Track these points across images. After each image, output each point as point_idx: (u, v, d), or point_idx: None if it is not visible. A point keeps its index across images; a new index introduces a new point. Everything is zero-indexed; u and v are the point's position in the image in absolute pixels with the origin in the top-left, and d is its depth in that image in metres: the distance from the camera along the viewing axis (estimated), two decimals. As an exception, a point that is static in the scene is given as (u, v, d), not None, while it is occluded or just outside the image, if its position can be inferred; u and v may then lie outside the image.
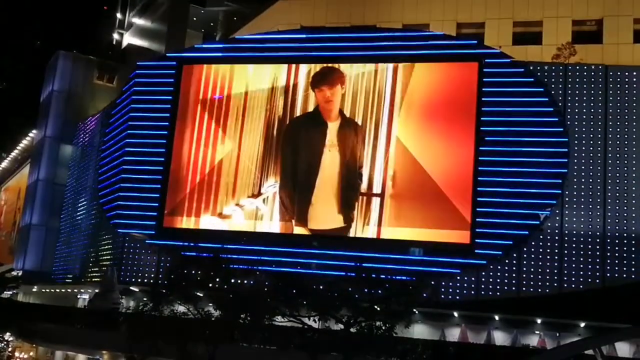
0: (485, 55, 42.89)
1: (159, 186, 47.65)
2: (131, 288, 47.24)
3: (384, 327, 29.15)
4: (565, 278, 39.01)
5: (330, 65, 46.12)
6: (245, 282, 37.29)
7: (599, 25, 47.90)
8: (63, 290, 58.95)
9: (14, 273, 66.49)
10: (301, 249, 43.10)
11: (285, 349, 32.76)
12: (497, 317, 40.35)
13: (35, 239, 64.59)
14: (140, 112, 49.60)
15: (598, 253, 39.03)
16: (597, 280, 38.74)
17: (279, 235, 44.68)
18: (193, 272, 34.77)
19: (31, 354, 58.85)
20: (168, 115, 48.56)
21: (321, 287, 33.50)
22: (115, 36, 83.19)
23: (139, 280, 46.91)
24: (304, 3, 54.61)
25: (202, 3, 67.82)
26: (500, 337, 40.32)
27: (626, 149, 40.19)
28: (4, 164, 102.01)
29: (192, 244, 35.50)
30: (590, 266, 38.97)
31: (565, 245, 39.40)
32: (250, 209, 46.11)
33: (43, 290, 62.33)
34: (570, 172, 40.01)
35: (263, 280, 36.50)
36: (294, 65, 46.84)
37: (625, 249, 38.87)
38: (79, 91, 66.36)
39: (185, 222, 46.95)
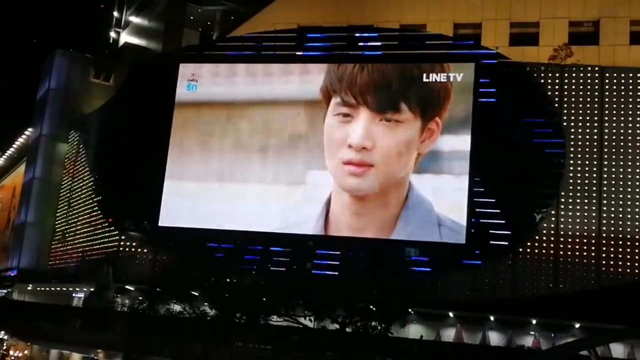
0: (481, 56, 42.94)
1: (156, 185, 47.52)
2: (127, 287, 47.14)
3: (379, 327, 29.18)
4: (560, 279, 39.06)
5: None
6: (241, 281, 37.23)
7: (596, 27, 47.93)
8: (58, 289, 58.85)
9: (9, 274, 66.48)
10: (297, 249, 43.04)
11: (280, 349, 32.75)
12: (492, 318, 40.40)
13: (31, 237, 64.31)
14: (137, 110, 49.44)
15: (593, 254, 39.08)
16: (592, 281, 38.77)
17: (275, 235, 44.59)
18: (189, 271, 34.75)
19: (26, 352, 58.80)
20: (165, 113, 48.43)
21: (317, 287, 33.46)
22: (112, 35, 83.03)
23: (135, 279, 46.80)
24: (301, 2, 54.56)
25: (199, 2, 67.68)
26: (495, 338, 40.37)
27: (622, 150, 40.21)
28: (0, 162, 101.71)
29: (188, 243, 35.45)
30: (585, 267, 39.01)
31: (561, 245, 39.45)
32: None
33: (38, 288, 62.21)
34: (566, 172, 40.06)
35: (259, 279, 36.46)
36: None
37: (620, 249, 38.90)
38: (75, 89, 66.04)
39: (182, 221, 46.86)
